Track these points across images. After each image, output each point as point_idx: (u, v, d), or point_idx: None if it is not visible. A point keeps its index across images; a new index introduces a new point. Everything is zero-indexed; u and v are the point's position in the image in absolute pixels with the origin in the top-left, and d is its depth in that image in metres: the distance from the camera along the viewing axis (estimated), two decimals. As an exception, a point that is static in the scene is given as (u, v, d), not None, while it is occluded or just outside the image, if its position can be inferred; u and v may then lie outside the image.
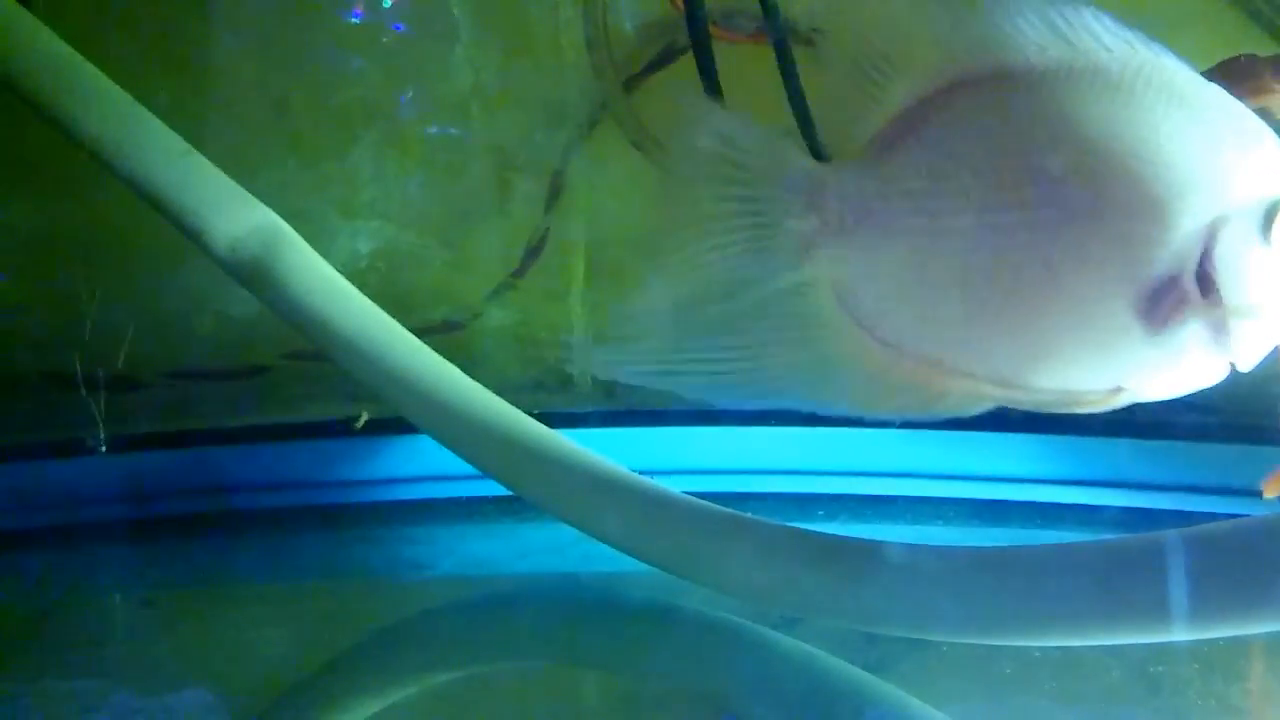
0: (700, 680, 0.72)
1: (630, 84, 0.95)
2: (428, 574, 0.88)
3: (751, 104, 0.72)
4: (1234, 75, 0.82)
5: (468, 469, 0.79)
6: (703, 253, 0.58)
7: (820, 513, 0.93)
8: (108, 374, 0.93)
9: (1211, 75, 0.82)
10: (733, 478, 0.96)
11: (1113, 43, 0.55)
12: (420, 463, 0.94)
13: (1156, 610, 0.53)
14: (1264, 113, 0.82)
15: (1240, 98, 0.82)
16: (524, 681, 0.73)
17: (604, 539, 0.74)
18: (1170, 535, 0.55)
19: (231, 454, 0.96)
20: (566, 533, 0.76)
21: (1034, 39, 0.54)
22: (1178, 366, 0.56)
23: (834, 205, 0.56)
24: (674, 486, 0.74)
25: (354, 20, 0.95)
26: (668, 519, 0.72)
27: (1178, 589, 0.52)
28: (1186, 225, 0.53)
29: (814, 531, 0.68)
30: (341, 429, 0.95)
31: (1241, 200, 0.54)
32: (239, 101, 0.96)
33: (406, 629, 0.81)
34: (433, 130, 0.98)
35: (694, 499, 0.72)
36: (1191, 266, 0.54)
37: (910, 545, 0.64)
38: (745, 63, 0.86)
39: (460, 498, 0.93)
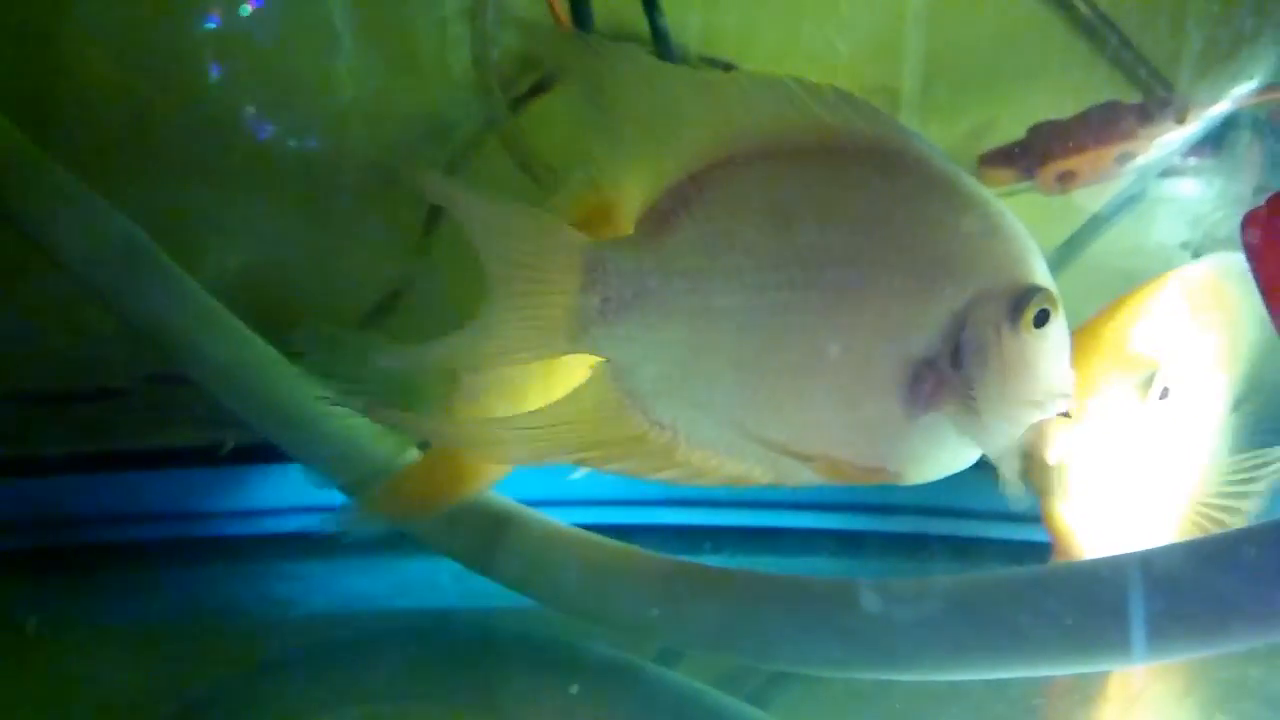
0: (582, 718, 0.70)
1: (517, 104, 0.93)
2: (297, 612, 0.84)
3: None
4: (1100, 120, 0.86)
5: (344, 499, 0.76)
6: (484, 324, 0.55)
7: (707, 545, 0.93)
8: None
9: (1079, 120, 0.86)
10: (620, 509, 0.94)
11: (874, 129, 0.54)
12: (293, 493, 0.89)
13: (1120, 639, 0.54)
14: (1128, 156, 0.87)
15: (1107, 142, 0.87)
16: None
17: (491, 576, 0.72)
18: (1129, 557, 0.56)
19: (80, 483, 0.91)
20: (447, 568, 0.74)
21: (800, 122, 0.54)
22: (936, 451, 0.56)
23: (612, 283, 0.55)
24: (560, 519, 0.72)
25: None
26: (557, 553, 0.70)
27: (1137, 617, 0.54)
28: (942, 309, 0.54)
29: (706, 565, 0.67)
30: (204, 457, 0.91)
31: (991, 286, 0.54)
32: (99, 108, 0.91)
33: (267, 671, 0.77)
34: (311, 145, 0.95)
35: (583, 532, 0.71)
36: (947, 351, 0.54)
37: (831, 579, 0.64)
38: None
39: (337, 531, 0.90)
